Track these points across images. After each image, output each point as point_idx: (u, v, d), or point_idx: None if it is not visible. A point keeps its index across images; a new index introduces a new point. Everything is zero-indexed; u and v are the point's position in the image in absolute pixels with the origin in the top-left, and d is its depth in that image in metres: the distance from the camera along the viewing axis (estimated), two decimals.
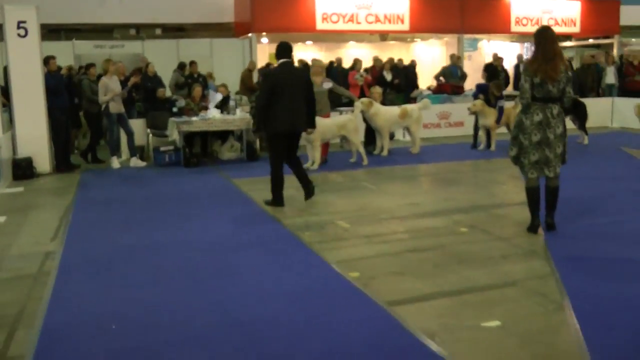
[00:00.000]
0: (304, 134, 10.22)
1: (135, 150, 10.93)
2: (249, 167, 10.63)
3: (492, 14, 18.25)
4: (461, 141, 13.25)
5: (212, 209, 7.68)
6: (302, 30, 16.76)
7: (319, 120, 10.22)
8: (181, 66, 14.27)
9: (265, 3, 15.89)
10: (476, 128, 12.15)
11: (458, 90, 15.04)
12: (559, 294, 4.56)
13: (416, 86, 15.93)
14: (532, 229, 6.18)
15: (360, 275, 5.05)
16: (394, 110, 11.59)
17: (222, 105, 11.50)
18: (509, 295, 4.61)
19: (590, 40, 20.72)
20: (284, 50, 7.54)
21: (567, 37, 20.63)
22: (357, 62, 14.98)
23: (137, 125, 11.39)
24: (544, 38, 6.02)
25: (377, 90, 11.82)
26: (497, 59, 15.21)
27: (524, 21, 18.65)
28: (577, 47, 21.64)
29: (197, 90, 11.65)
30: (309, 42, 19.72)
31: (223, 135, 11.46)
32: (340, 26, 16.87)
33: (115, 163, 10.67)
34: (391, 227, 6.57)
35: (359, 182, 9.18)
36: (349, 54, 19.54)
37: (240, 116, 11.12)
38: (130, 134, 10.84)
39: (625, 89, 14.76)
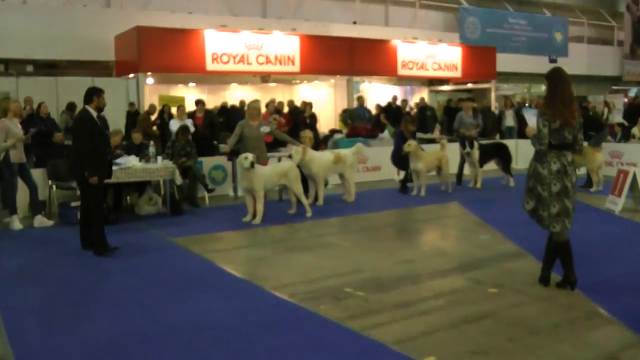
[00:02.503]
0: (244, 185, 9.27)
1: (40, 207, 9.10)
2: (178, 222, 9.28)
3: (380, 57, 18.31)
4: (383, 186, 12.80)
5: (178, 279, 6.40)
6: (192, 71, 15.79)
7: (259, 168, 9.28)
8: (71, 107, 12.51)
9: (153, 42, 14.60)
10: (406, 172, 11.70)
11: (372, 133, 14.65)
12: None
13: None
14: (570, 285, 5.69)
15: None
16: (328, 156, 10.84)
17: (140, 153, 10.03)
18: None
19: (469, 85, 21.54)
20: (85, 95, 7.42)
21: (446, 81, 21.37)
22: (270, 104, 14.08)
23: (36, 176, 9.52)
24: (561, 80, 5.62)
25: (308, 134, 10.86)
26: (403, 102, 15.14)
27: (410, 65, 18.95)
28: (452, 91, 22.46)
29: (119, 136, 10.11)
30: (192, 84, 18.60)
31: (139, 187, 10.00)
32: (231, 67, 16.04)
33: (17, 223, 8.75)
34: (414, 293, 5.76)
35: (321, 237, 8.25)
36: (232, 96, 18.79)
37: (164, 165, 9.68)
38: (33, 188, 9.00)
39: (523, 132, 15.26)
